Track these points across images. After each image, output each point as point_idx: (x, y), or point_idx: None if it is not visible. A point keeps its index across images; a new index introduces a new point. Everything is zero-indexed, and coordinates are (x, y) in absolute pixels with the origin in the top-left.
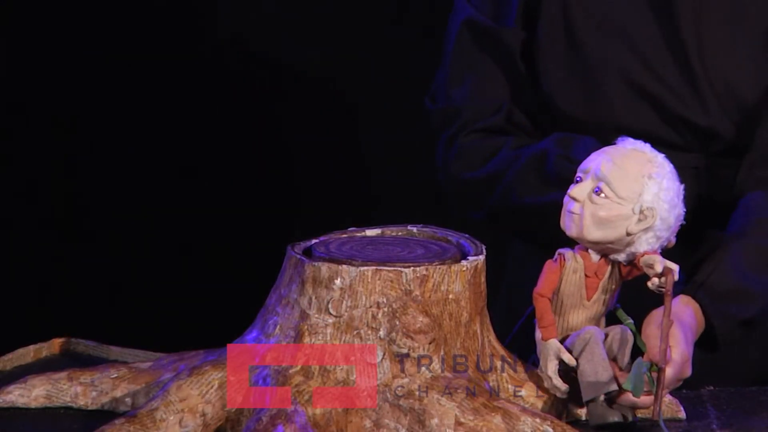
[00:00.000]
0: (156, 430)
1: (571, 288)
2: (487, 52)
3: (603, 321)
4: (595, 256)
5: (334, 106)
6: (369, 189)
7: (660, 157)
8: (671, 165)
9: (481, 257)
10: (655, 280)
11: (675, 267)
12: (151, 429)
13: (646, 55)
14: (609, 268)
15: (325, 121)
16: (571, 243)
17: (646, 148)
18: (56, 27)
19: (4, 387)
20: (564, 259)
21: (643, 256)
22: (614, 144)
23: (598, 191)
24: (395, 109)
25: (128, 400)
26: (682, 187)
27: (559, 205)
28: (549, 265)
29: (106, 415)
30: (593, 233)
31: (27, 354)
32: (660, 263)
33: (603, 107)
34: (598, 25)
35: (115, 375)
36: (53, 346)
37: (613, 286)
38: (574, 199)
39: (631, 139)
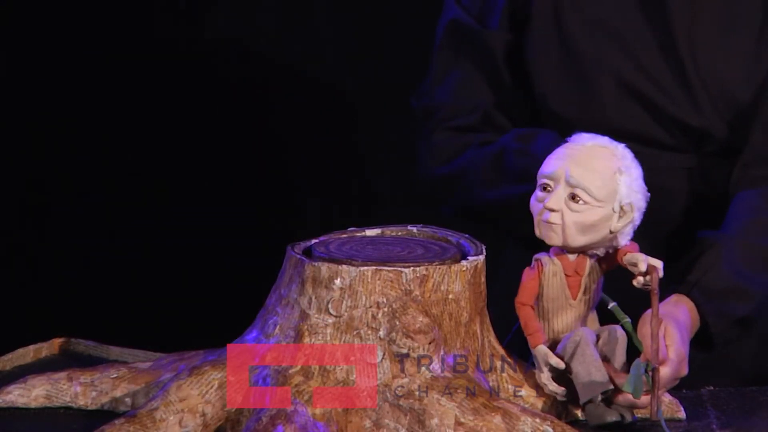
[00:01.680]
0: (156, 430)
1: (554, 291)
2: (469, 54)
3: (595, 317)
4: (571, 255)
5: (334, 106)
6: (369, 189)
7: (621, 148)
8: (630, 152)
9: (481, 257)
10: (640, 278)
11: (659, 264)
12: (151, 429)
13: (639, 56)
14: (588, 262)
15: (325, 121)
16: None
17: (605, 140)
18: (55, 27)
19: (4, 387)
20: (541, 264)
21: (625, 254)
22: (568, 141)
23: (574, 197)
24: (395, 109)
25: (128, 400)
26: (640, 168)
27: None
28: (527, 273)
29: (106, 415)
30: (578, 240)
31: (27, 354)
32: (643, 261)
33: (596, 108)
34: (591, 26)
35: (115, 375)
36: (53, 346)
37: (596, 279)
38: (550, 209)
39: (585, 134)
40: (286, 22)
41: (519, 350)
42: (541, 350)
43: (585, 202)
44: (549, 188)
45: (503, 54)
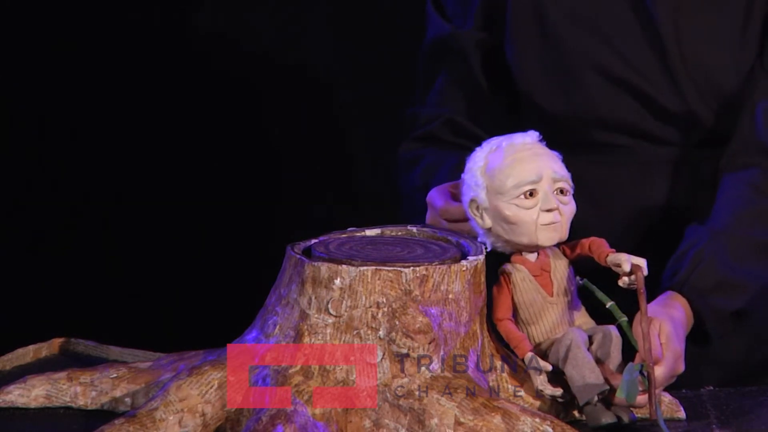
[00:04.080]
0: (156, 430)
1: (529, 296)
2: (444, 60)
3: (583, 310)
4: (531, 256)
5: (334, 105)
6: (369, 189)
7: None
8: None
9: (481, 257)
10: (625, 278)
11: (642, 263)
12: (150, 429)
13: (622, 46)
14: (550, 256)
15: (326, 122)
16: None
17: (523, 136)
18: (52, 27)
19: (4, 387)
20: (507, 275)
21: (608, 255)
22: (490, 145)
23: (562, 191)
24: (395, 108)
25: (128, 400)
26: None
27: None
28: (496, 289)
29: (106, 415)
30: (568, 229)
31: (27, 354)
32: (627, 261)
33: (583, 102)
34: (572, 18)
35: (115, 375)
36: (53, 346)
37: (565, 269)
38: (550, 210)
39: (493, 141)
40: (285, 21)
41: None
42: (529, 357)
43: (568, 191)
44: (535, 193)
45: (479, 53)
